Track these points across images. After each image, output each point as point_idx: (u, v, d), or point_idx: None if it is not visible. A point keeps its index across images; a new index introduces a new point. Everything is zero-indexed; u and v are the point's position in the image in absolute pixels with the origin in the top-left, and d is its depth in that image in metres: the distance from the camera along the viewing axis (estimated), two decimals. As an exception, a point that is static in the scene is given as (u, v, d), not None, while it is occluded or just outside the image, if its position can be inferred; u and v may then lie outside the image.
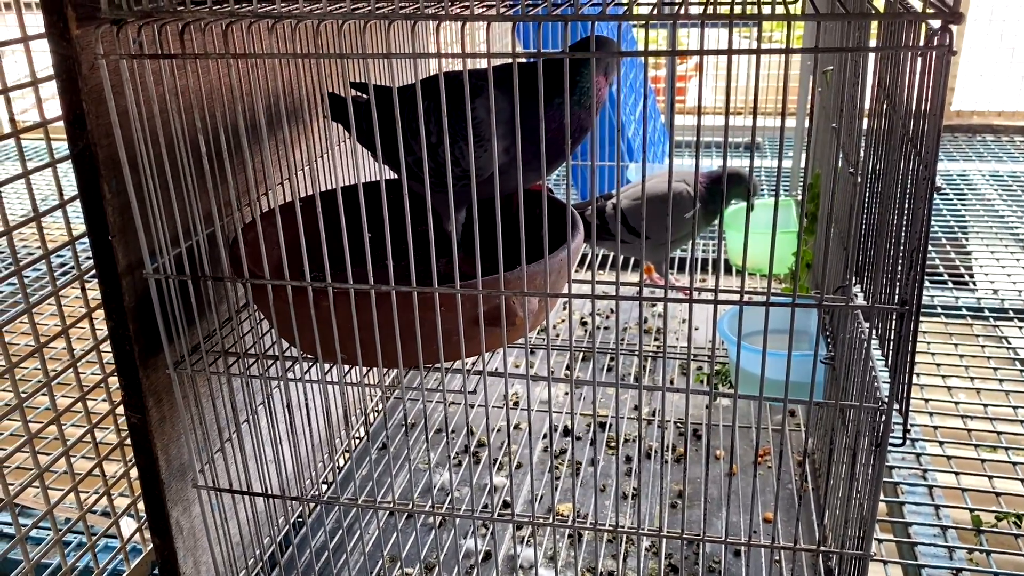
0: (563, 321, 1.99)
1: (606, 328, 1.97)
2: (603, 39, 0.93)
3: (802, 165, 2.37)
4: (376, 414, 1.65)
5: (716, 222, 1.84)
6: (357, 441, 1.56)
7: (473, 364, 0.96)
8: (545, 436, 1.56)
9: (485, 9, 0.84)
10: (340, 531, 1.31)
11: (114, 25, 0.83)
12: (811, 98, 1.76)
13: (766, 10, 0.81)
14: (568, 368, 1.80)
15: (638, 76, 2.80)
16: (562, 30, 0.76)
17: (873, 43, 0.99)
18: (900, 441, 0.84)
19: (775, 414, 1.60)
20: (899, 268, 0.82)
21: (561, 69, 0.77)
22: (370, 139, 1.00)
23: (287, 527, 1.30)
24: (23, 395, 1.06)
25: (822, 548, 0.95)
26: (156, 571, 1.31)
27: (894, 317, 0.83)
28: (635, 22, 0.76)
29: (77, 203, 0.94)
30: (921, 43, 0.74)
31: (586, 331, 1.95)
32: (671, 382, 1.74)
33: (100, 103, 0.87)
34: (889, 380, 0.84)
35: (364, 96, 1.09)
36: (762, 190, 2.86)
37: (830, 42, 1.38)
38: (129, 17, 0.83)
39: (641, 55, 0.74)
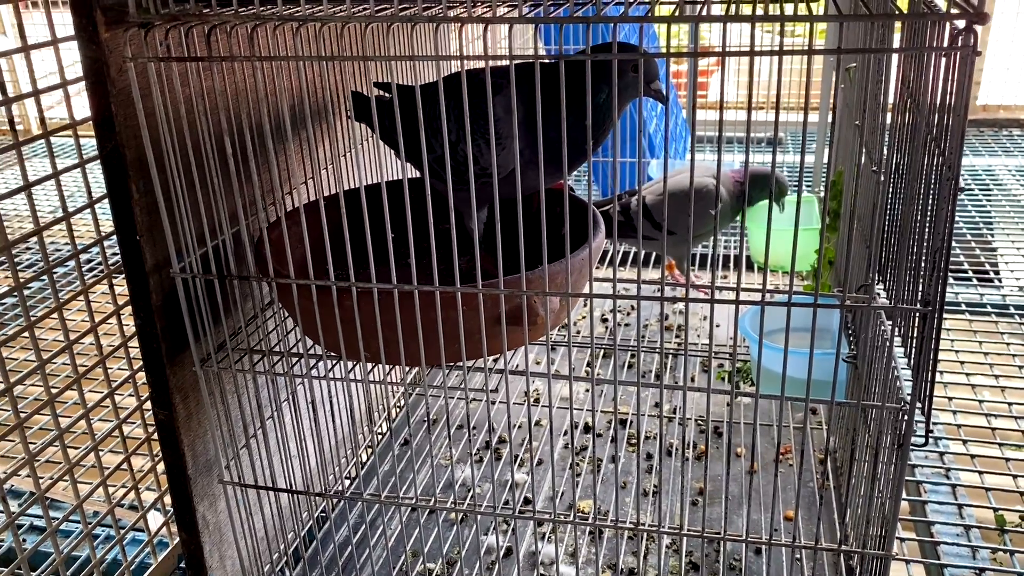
0: (583, 318, 2.00)
1: (626, 325, 1.97)
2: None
3: (824, 161, 2.36)
4: (398, 410, 1.66)
5: (738, 218, 1.83)
6: (379, 437, 1.57)
7: (495, 362, 0.96)
8: (566, 433, 1.57)
9: (508, 10, 0.85)
10: (363, 526, 1.33)
11: (142, 28, 0.84)
12: (833, 95, 1.74)
13: (788, 9, 0.81)
14: (588, 365, 1.81)
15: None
16: (584, 31, 0.77)
17: (896, 39, 0.99)
18: (922, 441, 0.84)
19: (796, 412, 1.59)
20: (922, 267, 0.82)
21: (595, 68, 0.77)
22: (393, 137, 1.01)
23: (311, 522, 1.31)
24: (53, 390, 1.08)
25: (843, 547, 0.95)
26: (182, 565, 1.33)
27: (917, 316, 0.83)
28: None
29: (105, 202, 0.96)
30: (945, 43, 0.73)
31: (606, 328, 1.96)
32: (692, 380, 1.74)
33: (128, 105, 0.88)
34: (912, 379, 0.84)
35: (388, 95, 1.10)
36: (794, 189, 2.84)
37: (853, 39, 1.37)
38: (157, 20, 0.84)
39: (664, 56, 0.75)
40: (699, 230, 1.75)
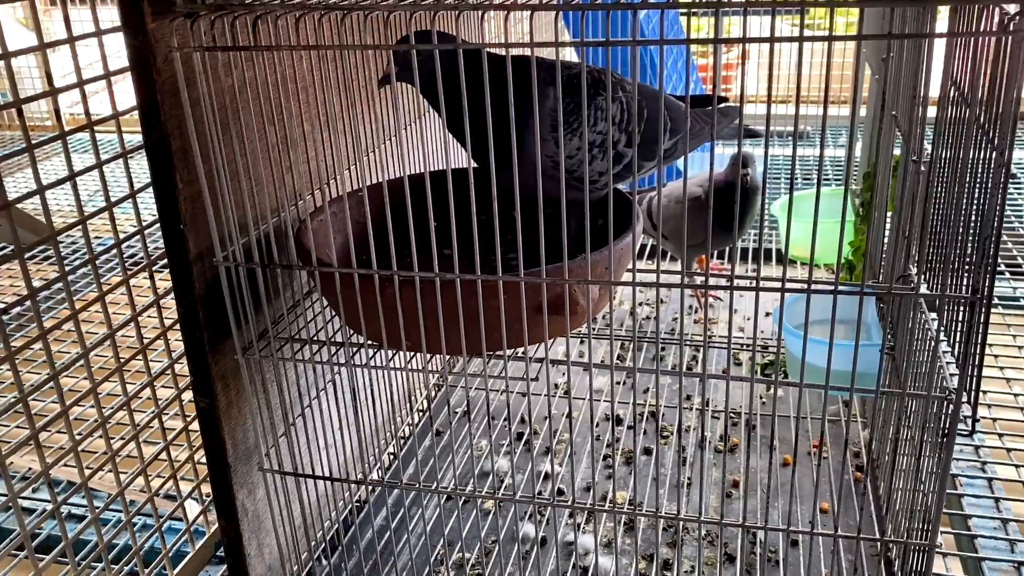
0: (613, 311, 1.99)
1: (646, 318, 1.97)
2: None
3: (857, 154, 2.34)
4: (432, 399, 1.67)
5: (749, 221, 1.80)
6: (415, 426, 1.58)
7: (535, 352, 0.97)
8: (597, 425, 1.57)
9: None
10: (400, 513, 1.33)
11: (188, 18, 0.85)
12: (883, 84, 1.72)
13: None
14: (619, 357, 1.81)
15: (678, 60, 2.77)
16: (628, 20, 0.77)
17: (940, 27, 0.98)
18: (968, 431, 0.83)
19: (829, 404, 1.59)
20: (968, 257, 0.81)
21: None
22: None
23: (347, 510, 1.32)
24: (95, 381, 1.09)
25: (885, 538, 0.94)
26: (219, 552, 1.34)
27: (962, 307, 0.82)
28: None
29: (144, 193, 0.97)
30: (995, 28, 0.73)
31: (635, 320, 1.95)
32: (724, 372, 1.74)
33: (174, 94, 0.89)
34: (957, 370, 0.84)
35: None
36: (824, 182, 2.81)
37: (886, 28, 1.36)
38: (202, 10, 0.85)
39: (683, 43, 0.74)
40: (692, 240, 1.73)
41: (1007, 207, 2.52)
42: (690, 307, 2.02)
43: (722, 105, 1.11)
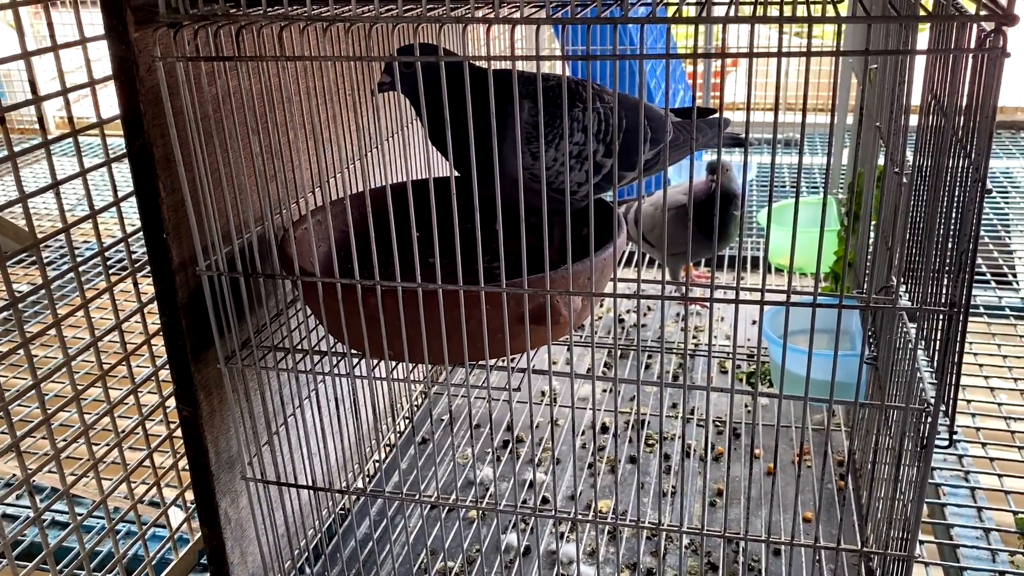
0: (600, 318, 2.00)
1: (633, 326, 1.97)
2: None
3: (844, 163, 2.35)
4: (417, 408, 1.67)
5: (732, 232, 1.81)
6: (399, 435, 1.58)
7: (517, 361, 0.97)
8: (583, 433, 1.57)
9: (534, 11, 0.85)
10: (383, 523, 1.33)
11: (171, 28, 0.85)
12: (860, 97, 1.73)
13: (811, 10, 0.81)
14: (606, 366, 1.81)
15: (676, 68, 2.79)
16: (610, 32, 0.77)
17: (922, 40, 0.99)
18: (946, 443, 0.84)
19: (813, 413, 1.59)
20: (947, 269, 0.82)
21: None
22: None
23: (331, 519, 1.32)
24: (78, 388, 1.09)
25: (865, 549, 0.95)
26: (203, 560, 1.34)
27: (941, 319, 0.82)
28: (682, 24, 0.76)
29: (129, 200, 0.96)
30: (973, 45, 0.73)
31: (623, 329, 1.96)
32: (710, 381, 1.74)
33: (157, 104, 0.89)
34: (935, 382, 0.84)
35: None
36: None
37: (873, 41, 1.37)
38: (185, 20, 0.85)
39: (691, 57, 0.75)
40: (675, 248, 1.74)
41: (993, 216, 2.54)
42: (677, 314, 2.03)
43: (708, 118, 1.12)
